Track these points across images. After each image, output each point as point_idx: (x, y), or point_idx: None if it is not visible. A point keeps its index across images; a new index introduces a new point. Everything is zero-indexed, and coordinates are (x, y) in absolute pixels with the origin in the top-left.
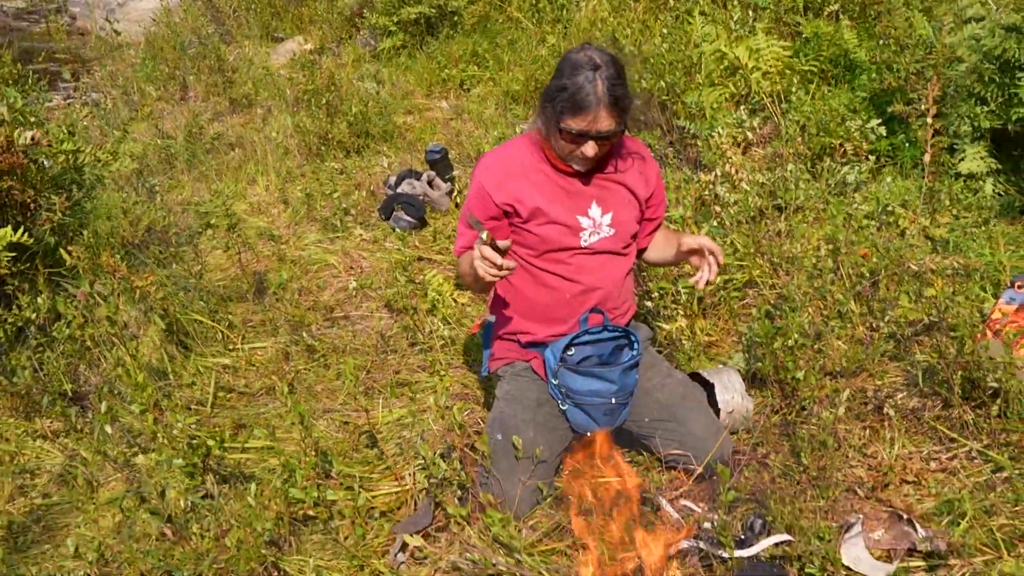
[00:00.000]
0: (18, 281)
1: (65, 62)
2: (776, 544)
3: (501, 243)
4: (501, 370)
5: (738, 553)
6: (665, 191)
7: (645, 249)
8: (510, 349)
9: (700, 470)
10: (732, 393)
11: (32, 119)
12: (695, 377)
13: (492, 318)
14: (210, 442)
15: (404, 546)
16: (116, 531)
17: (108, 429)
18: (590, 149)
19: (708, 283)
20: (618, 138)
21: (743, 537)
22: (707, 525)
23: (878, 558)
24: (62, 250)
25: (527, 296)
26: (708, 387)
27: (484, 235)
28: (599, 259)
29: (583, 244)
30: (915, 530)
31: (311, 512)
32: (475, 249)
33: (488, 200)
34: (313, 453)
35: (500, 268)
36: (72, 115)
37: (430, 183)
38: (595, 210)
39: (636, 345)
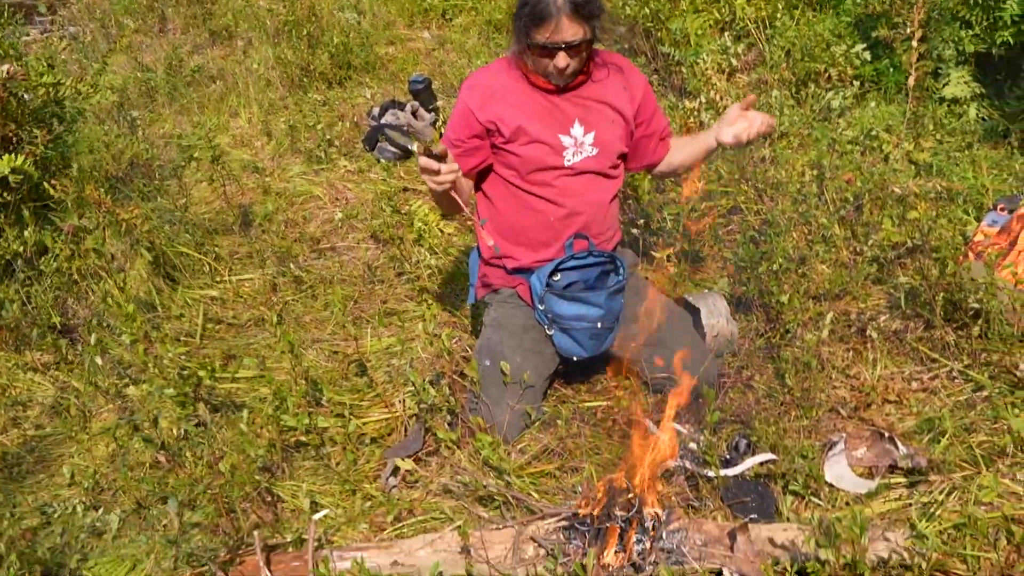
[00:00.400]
0: (3, 215)
1: None
2: (761, 463)
3: (436, 148)
4: (488, 297)
5: (723, 472)
6: (656, 102)
7: (659, 164)
8: (496, 276)
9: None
10: (717, 317)
11: (11, 52)
12: (681, 302)
13: (491, 242)
14: (201, 372)
15: (395, 470)
16: (110, 460)
17: (98, 361)
18: (561, 60)
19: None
20: (589, 47)
21: (728, 457)
22: (693, 446)
23: (860, 475)
24: (46, 184)
25: (511, 220)
26: (694, 312)
27: (415, 145)
28: (583, 180)
29: (566, 164)
30: (896, 448)
31: (303, 439)
32: (421, 167)
33: (472, 118)
34: (303, 381)
35: (439, 173)
36: (50, 48)
37: (414, 113)
38: (577, 129)
39: (622, 270)
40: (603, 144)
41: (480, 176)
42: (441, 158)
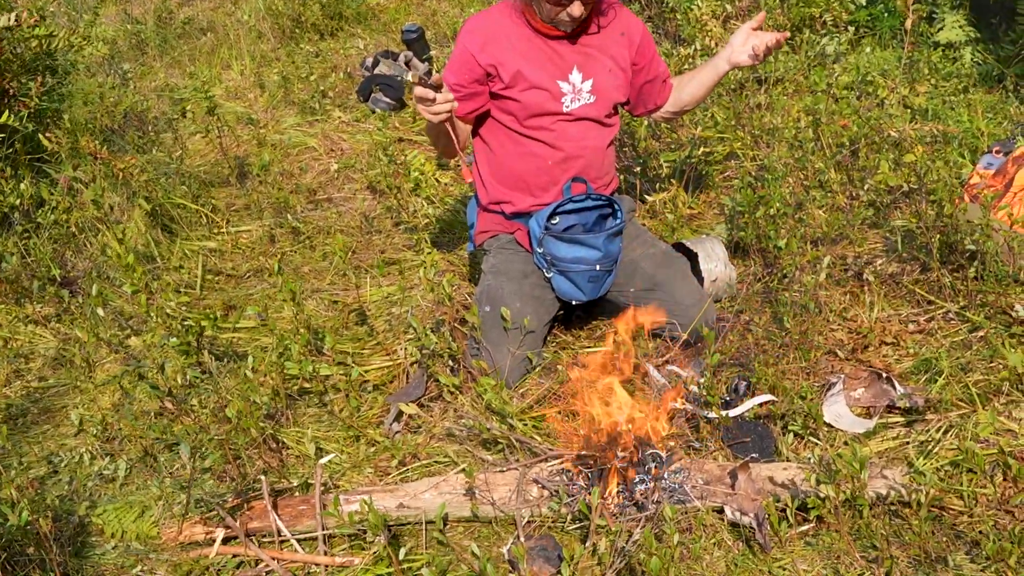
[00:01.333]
0: None
1: None
2: (760, 404)
3: (434, 77)
4: (487, 243)
5: (724, 413)
6: (655, 48)
7: (664, 106)
8: (495, 222)
9: (685, 336)
10: (715, 262)
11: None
12: (679, 247)
13: (470, 180)
14: (203, 322)
15: (399, 415)
16: (115, 409)
17: (100, 312)
18: (577, 9)
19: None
20: None
21: (728, 399)
22: (693, 388)
23: (858, 415)
24: (41, 136)
25: (510, 165)
26: (692, 256)
27: (409, 75)
28: (580, 126)
29: (564, 109)
30: (894, 388)
31: (306, 385)
32: (417, 97)
33: (472, 62)
34: (305, 330)
35: (435, 103)
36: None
37: (407, 63)
38: (575, 75)
39: (619, 213)
40: (600, 92)
41: (478, 122)
42: (437, 88)
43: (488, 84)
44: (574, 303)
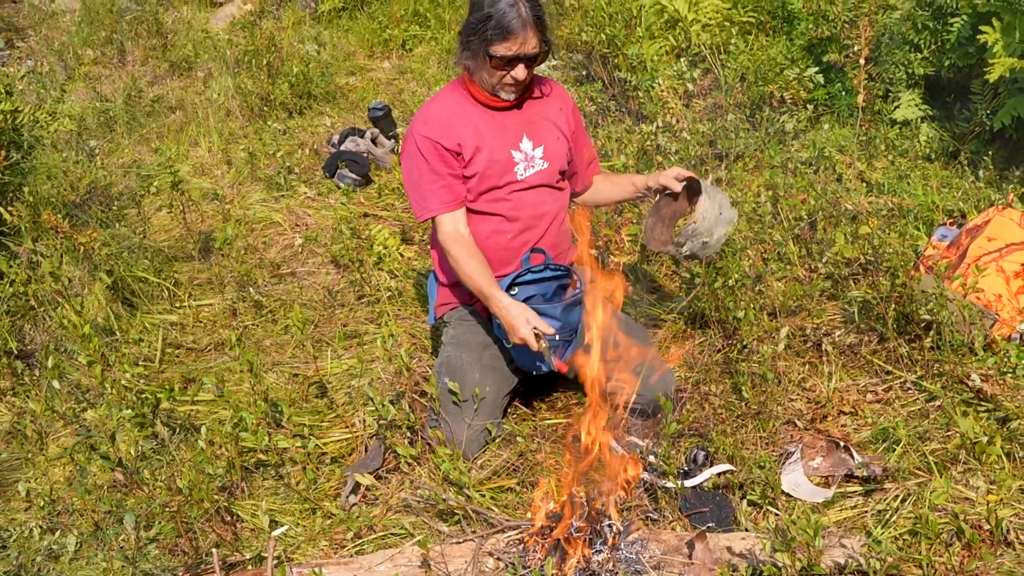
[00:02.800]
0: None
1: None
2: (719, 474)
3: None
4: (447, 315)
5: (683, 483)
6: (584, 127)
7: (583, 192)
8: (455, 294)
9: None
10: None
11: None
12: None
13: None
14: (159, 394)
15: (356, 487)
16: (67, 483)
17: (56, 384)
18: (521, 72)
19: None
20: (544, 59)
21: (687, 469)
22: (651, 459)
23: (817, 484)
24: (2, 209)
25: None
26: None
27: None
28: (536, 193)
29: (519, 178)
30: (852, 457)
31: (262, 457)
32: (529, 336)
33: (441, 150)
34: (263, 402)
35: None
36: (8, 78)
37: (373, 140)
38: (526, 143)
39: (579, 283)
40: (552, 156)
41: None
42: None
43: (459, 166)
44: (535, 374)
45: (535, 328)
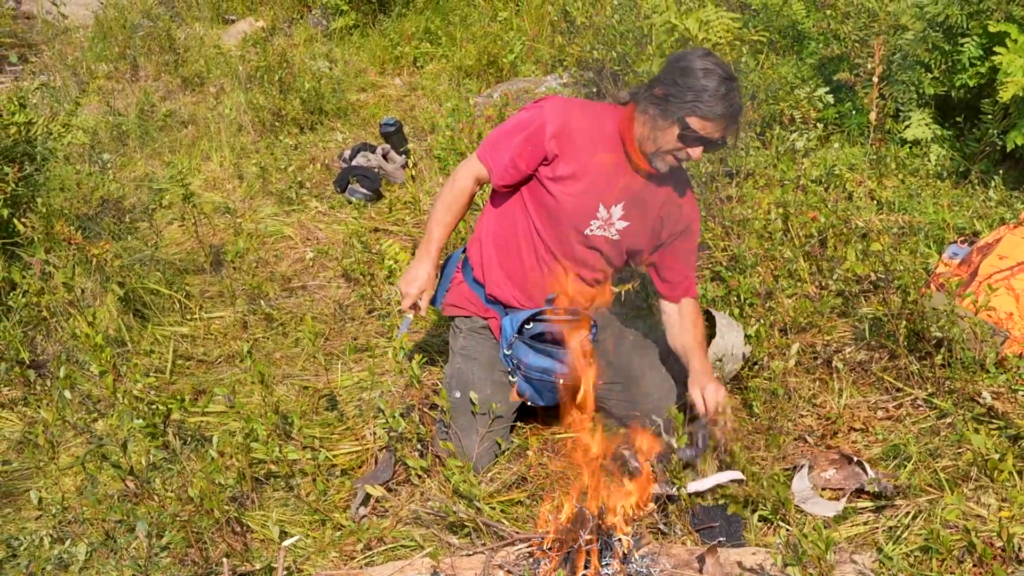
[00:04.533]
0: None
1: (11, 46)
2: (729, 482)
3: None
4: (459, 321)
5: (691, 487)
6: (698, 239)
7: (665, 302)
8: (472, 301)
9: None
10: (733, 336)
11: None
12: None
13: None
14: (171, 404)
15: (366, 499)
16: (78, 492)
17: (67, 394)
18: (698, 153)
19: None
20: (720, 149)
21: (689, 451)
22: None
23: (828, 498)
24: (16, 221)
25: (518, 256)
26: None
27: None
28: (591, 254)
29: (587, 232)
30: (865, 471)
31: (273, 468)
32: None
33: (539, 138)
34: (273, 413)
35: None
36: (22, 91)
37: (385, 156)
38: (617, 210)
39: (594, 330)
40: (627, 235)
41: (507, 197)
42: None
43: (538, 166)
44: (529, 404)
45: (417, 298)
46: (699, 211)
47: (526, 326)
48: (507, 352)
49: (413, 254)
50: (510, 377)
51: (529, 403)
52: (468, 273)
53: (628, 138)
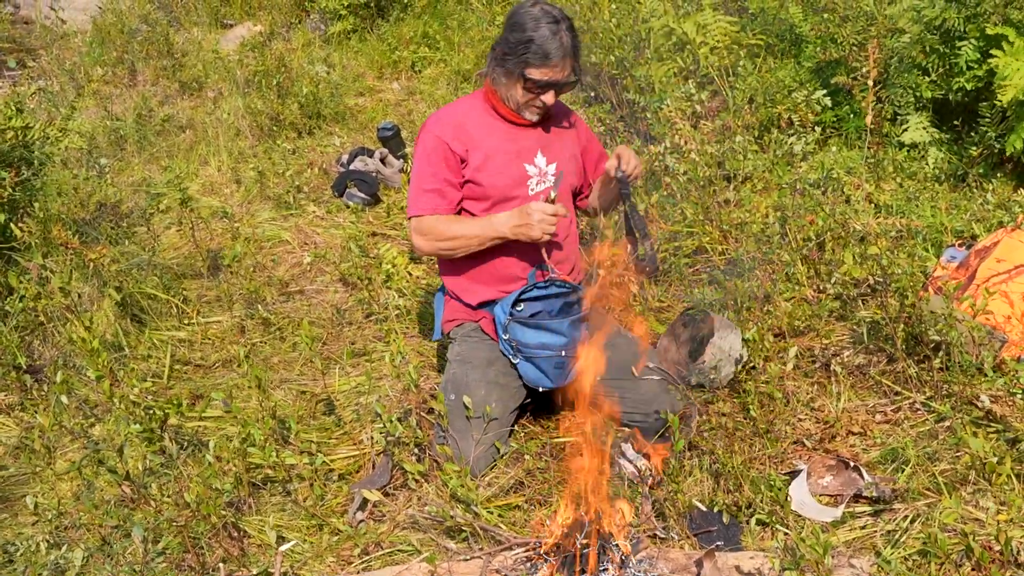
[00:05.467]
0: None
1: (9, 51)
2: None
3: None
4: (452, 332)
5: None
6: (599, 142)
7: (587, 198)
8: (460, 310)
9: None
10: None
11: None
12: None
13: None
14: (168, 409)
15: (363, 504)
16: (75, 498)
17: (64, 399)
18: (550, 98)
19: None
20: (573, 88)
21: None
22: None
23: (826, 504)
24: (13, 225)
25: (477, 257)
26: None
27: (552, 195)
28: None
29: (531, 192)
30: (861, 477)
31: (270, 472)
32: (538, 213)
33: (447, 150)
34: (270, 418)
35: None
36: (19, 95)
37: (383, 160)
38: (540, 159)
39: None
40: (564, 175)
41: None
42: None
43: (463, 171)
44: (541, 390)
45: (543, 213)
46: (568, 107)
47: (516, 308)
48: (505, 337)
49: (412, 258)
50: (511, 360)
51: (540, 388)
52: (451, 295)
53: (497, 106)
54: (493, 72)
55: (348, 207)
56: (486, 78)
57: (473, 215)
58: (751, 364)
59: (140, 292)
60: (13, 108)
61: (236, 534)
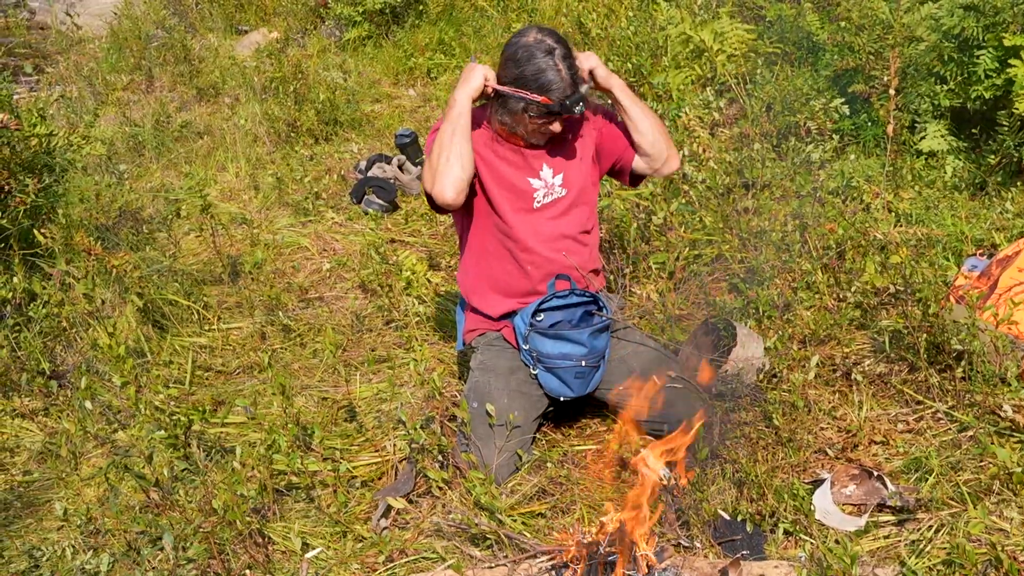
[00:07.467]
0: None
1: (25, 57)
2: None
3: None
4: (474, 341)
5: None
6: (617, 128)
7: (638, 176)
8: (482, 320)
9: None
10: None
11: (5, 103)
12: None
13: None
14: (191, 415)
15: (387, 511)
16: (100, 503)
17: (88, 405)
18: (558, 127)
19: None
20: (580, 112)
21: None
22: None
23: (849, 513)
24: (36, 231)
25: (494, 269)
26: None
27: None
28: (559, 220)
29: (536, 206)
30: (885, 486)
31: (294, 479)
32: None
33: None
34: (293, 424)
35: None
36: (40, 102)
37: (400, 167)
38: (547, 171)
39: (606, 309)
40: (571, 183)
41: (464, 226)
42: None
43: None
44: (562, 400)
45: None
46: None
47: (536, 319)
48: (525, 347)
49: (431, 265)
50: (532, 371)
51: (561, 398)
52: (471, 308)
53: (500, 131)
54: (496, 113)
55: (367, 214)
56: (486, 120)
57: (487, 232)
58: (773, 372)
59: (161, 298)
60: (36, 115)
61: (261, 541)
